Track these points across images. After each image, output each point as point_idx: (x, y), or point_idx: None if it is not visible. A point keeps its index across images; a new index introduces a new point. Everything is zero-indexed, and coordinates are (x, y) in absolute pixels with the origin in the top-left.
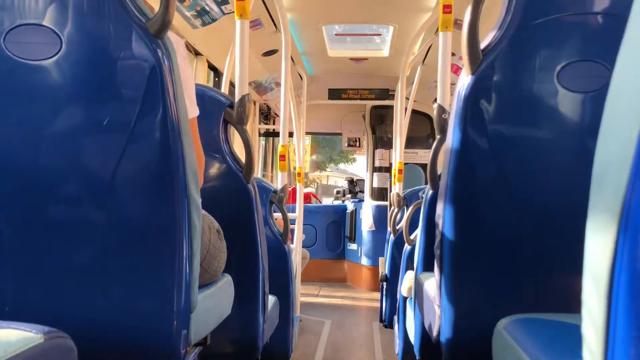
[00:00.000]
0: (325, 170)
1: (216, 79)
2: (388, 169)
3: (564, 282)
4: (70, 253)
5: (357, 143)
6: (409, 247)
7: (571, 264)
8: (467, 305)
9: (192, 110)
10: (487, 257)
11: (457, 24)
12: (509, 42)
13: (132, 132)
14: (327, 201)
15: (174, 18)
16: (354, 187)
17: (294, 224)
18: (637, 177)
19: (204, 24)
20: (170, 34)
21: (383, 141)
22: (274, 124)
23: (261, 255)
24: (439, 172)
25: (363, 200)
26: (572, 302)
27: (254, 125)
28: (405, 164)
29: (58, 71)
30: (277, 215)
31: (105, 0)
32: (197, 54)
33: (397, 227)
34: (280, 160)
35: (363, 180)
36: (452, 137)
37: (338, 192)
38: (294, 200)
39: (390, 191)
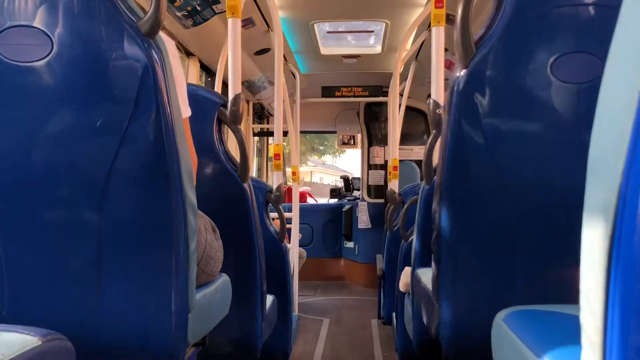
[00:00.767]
0: (307, 164)
1: (209, 79)
2: (383, 166)
3: (562, 273)
4: (66, 255)
5: (352, 141)
6: (405, 243)
7: (568, 255)
8: (464, 300)
9: (184, 110)
10: (484, 251)
11: (450, 19)
12: (501, 35)
13: (126, 132)
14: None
15: (165, 19)
16: (350, 185)
17: (291, 224)
18: (632, 165)
19: (195, 24)
20: (160, 34)
21: (378, 138)
22: (268, 123)
23: (258, 255)
24: (434, 168)
25: (359, 198)
26: (571, 293)
27: (248, 125)
28: (401, 160)
29: (49, 73)
30: (273, 214)
31: (96, 0)
32: (189, 54)
33: (394, 224)
34: (275, 159)
35: (358, 178)
36: (446, 132)
37: (334, 191)
38: (290, 200)
39: (386, 188)
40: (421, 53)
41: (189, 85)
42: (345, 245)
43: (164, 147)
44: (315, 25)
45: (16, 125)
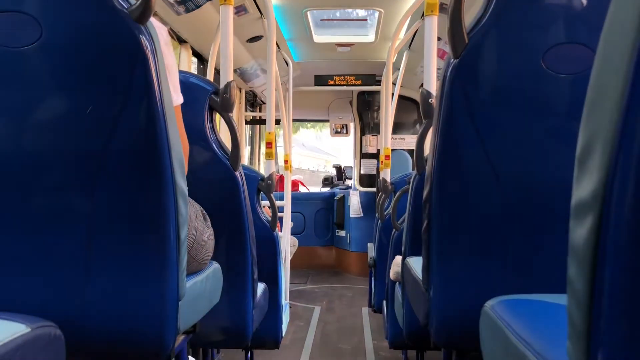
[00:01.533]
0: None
1: (201, 66)
2: (376, 155)
3: (551, 263)
4: (55, 242)
5: (345, 129)
6: (396, 232)
7: (557, 245)
8: (454, 289)
9: (176, 97)
10: (474, 240)
11: (443, 8)
12: (494, 24)
13: (116, 119)
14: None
15: (157, 5)
16: (342, 174)
17: (282, 212)
18: (619, 156)
19: (187, 10)
20: (152, 20)
21: (370, 127)
22: (260, 111)
23: (249, 243)
24: (425, 157)
25: (351, 187)
26: (559, 283)
27: (240, 113)
28: (393, 149)
29: (38, 59)
30: (265, 203)
31: None
32: (181, 41)
33: (385, 213)
34: (267, 147)
35: (350, 167)
36: (438, 121)
37: (326, 180)
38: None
39: (378, 177)
40: (414, 42)
41: (180, 72)
42: (337, 234)
43: (155, 134)
44: (308, 12)
45: (4, 111)
